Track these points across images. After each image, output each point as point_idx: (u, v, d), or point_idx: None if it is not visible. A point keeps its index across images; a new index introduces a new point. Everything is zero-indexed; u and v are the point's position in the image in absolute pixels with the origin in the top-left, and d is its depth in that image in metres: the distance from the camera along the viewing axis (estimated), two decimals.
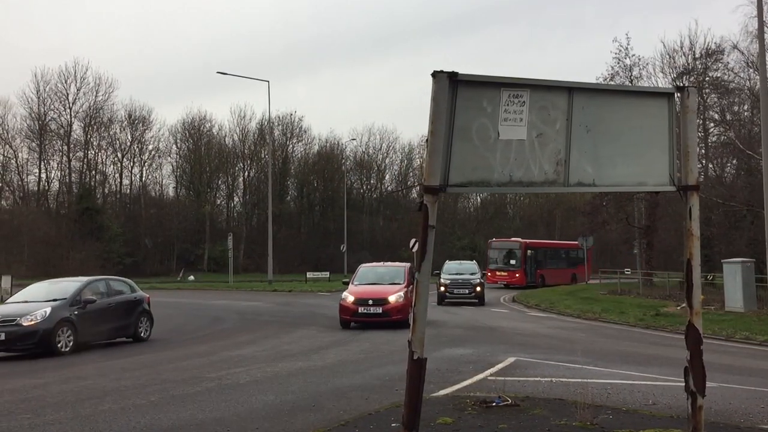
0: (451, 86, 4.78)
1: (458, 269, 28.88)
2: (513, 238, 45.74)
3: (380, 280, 19.11)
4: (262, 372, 10.72)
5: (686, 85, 6.09)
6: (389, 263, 22.03)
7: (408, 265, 20.30)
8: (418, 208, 5.03)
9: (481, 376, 10.17)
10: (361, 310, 17.58)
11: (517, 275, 41.37)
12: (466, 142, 4.90)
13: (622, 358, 12.63)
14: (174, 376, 10.46)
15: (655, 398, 8.46)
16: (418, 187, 76.74)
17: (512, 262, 41.79)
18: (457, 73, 4.81)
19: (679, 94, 5.58)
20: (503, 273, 41.78)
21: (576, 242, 50.57)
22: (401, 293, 17.86)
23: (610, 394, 8.60)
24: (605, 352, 13.45)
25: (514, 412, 7.01)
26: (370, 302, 17.65)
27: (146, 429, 7.06)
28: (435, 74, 4.77)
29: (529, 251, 42.71)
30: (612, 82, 33.71)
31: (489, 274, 39.98)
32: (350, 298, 17.92)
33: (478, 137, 4.95)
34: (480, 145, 4.97)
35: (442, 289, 27.27)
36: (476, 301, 27.29)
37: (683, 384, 9.39)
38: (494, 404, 7.26)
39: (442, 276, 28.07)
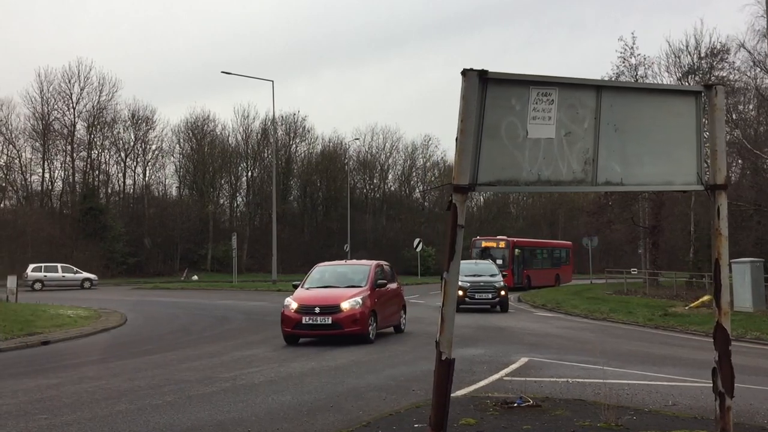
0: (480, 84, 4.74)
1: (475, 270, 24.96)
2: (499, 237, 42.49)
3: (337, 283, 15.46)
4: (275, 372, 10.68)
5: (714, 83, 6.03)
6: (353, 261, 18.33)
7: (375, 263, 16.47)
8: (446, 208, 5.00)
9: (496, 376, 10.13)
10: (305, 320, 14.08)
11: (504, 276, 39.44)
12: (495, 140, 4.86)
13: (635, 358, 12.58)
14: (188, 376, 10.42)
15: (675, 399, 8.41)
16: (422, 187, 76.71)
17: (498, 262, 37.93)
18: (487, 71, 4.77)
19: (706, 93, 5.55)
20: None
21: (560, 241, 49.44)
22: (358, 298, 14.36)
23: (628, 394, 8.55)
24: (618, 352, 13.40)
25: (536, 413, 6.96)
26: (317, 310, 14.09)
27: (166, 429, 7.03)
28: (465, 72, 4.73)
29: (516, 250, 39.85)
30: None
31: None
32: (293, 306, 14.31)
33: (506, 136, 4.91)
34: (509, 143, 4.93)
35: (460, 293, 22.80)
36: (499, 307, 24.00)
37: (700, 384, 9.42)
38: (515, 405, 7.22)
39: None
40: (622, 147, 5.29)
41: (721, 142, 5.50)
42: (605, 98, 5.21)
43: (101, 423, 7.33)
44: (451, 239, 4.93)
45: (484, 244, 40.54)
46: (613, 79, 34.58)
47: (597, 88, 5.22)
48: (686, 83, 33.53)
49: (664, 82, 36.11)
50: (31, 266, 41.48)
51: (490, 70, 4.81)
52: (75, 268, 43.30)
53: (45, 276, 41.14)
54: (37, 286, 39.99)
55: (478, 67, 4.71)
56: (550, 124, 5.05)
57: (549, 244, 48.83)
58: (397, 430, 6.47)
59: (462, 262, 23.70)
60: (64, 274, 42.09)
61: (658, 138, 5.40)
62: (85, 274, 43.19)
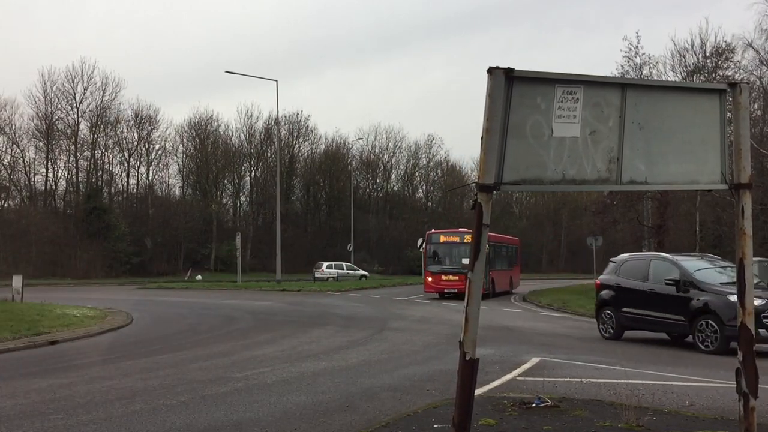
0: (506, 83, 4.70)
1: (728, 275, 14.07)
2: (461, 229, 33.92)
3: None
4: (287, 372, 10.65)
5: (738, 81, 5.99)
6: None
7: None
8: (471, 207, 4.95)
9: (509, 376, 10.09)
10: None
11: None
12: (520, 139, 4.82)
13: (646, 358, 12.55)
14: (200, 376, 10.39)
15: (691, 399, 8.36)
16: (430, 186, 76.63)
17: (464, 261, 29.60)
18: (513, 69, 4.72)
19: (731, 91, 5.51)
20: (453, 277, 30.54)
21: (512, 237, 43.60)
22: None
23: (644, 395, 8.50)
24: (629, 352, 13.34)
25: (555, 414, 6.93)
26: None
27: (183, 429, 7.00)
28: (491, 70, 4.68)
29: None
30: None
31: (430, 279, 31.60)
32: None
33: (532, 134, 4.88)
34: (534, 142, 4.89)
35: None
36: None
37: (715, 385, 9.38)
38: (534, 405, 7.18)
39: (714, 290, 13.81)
40: (646, 146, 5.26)
41: (745, 141, 5.46)
42: (630, 96, 5.18)
43: (117, 423, 7.30)
44: (475, 239, 4.89)
45: (442, 238, 32.76)
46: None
47: (622, 86, 5.19)
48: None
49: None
50: (325, 264, 51.45)
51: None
52: (355, 266, 53.24)
53: (337, 273, 50.48)
54: (330, 280, 48.28)
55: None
56: (575, 122, 5.02)
57: (505, 240, 39.84)
58: (417, 431, 6.43)
59: (680, 258, 15.53)
60: (348, 271, 51.64)
61: (682, 136, 5.37)
62: (361, 272, 52.69)
